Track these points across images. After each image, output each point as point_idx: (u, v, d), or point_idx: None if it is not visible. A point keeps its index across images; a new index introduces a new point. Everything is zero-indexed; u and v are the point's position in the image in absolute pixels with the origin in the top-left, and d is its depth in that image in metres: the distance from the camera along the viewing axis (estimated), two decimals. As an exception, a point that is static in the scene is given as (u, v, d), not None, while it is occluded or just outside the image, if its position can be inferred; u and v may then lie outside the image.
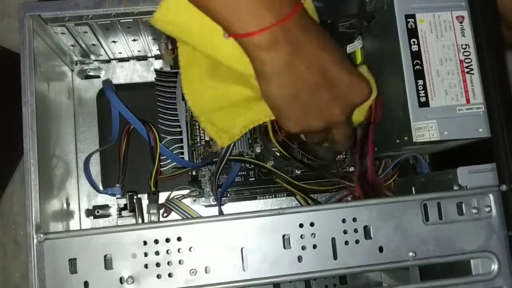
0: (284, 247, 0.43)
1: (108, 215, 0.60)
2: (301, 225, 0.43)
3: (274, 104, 0.46)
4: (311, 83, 0.44)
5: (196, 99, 0.51)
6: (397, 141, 0.48)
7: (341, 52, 0.46)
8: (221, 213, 0.58)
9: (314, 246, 0.43)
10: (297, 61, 0.43)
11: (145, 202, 0.57)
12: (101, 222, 0.60)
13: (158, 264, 0.42)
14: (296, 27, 0.42)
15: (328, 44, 0.45)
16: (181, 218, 0.57)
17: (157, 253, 0.42)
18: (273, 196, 0.61)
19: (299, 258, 0.43)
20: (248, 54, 0.43)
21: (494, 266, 0.43)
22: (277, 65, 0.43)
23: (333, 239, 0.43)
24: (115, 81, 0.62)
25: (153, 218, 0.55)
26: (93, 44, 0.56)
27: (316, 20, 0.47)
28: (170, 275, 0.42)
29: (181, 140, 0.57)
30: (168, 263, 0.42)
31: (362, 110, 0.51)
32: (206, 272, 0.42)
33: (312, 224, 0.43)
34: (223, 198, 0.59)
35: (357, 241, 0.43)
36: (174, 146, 0.57)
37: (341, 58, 0.45)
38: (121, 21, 0.49)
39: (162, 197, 0.58)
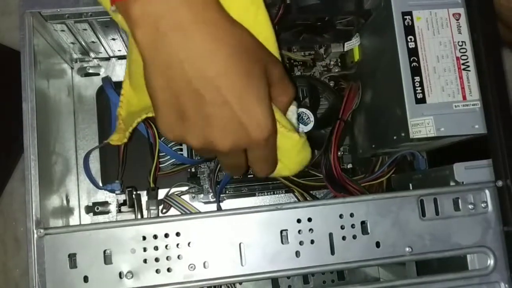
0: (282, 242, 0.43)
1: (107, 212, 0.60)
2: (298, 221, 0.43)
3: (149, 93, 0.38)
4: (186, 84, 0.36)
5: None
6: (394, 137, 0.48)
7: (252, 63, 0.37)
8: (219, 209, 0.58)
9: (312, 241, 0.43)
10: (168, 46, 0.35)
11: (144, 198, 0.58)
12: (101, 219, 0.60)
13: (157, 259, 0.42)
14: (179, 5, 0.34)
15: (238, 45, 0.36)
16: (180, 213, 0.57)
17: (156, 248, 0.42)
18: (272, 193, 0.61)
19: (297, 253, 0.43)
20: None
21: (490, 261, 0.44)
22: (145, 45, 0.36)
23: (330, 235, 0.43)
24: (114, 79, 0.62)
25: (153, 214, 0.55)
26: (93, 42, 0.56)
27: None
28: (169, 270, 0.42)
29: (180, 137, 0.58)
30: (167, 258, 0.42)
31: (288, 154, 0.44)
32: (204, 267, 0.42)
33: (309, 220, 0.43)
34: (221, 195, 0.60)
35: (354, 237, 0.43)
36: (173, 143, 0.58)
37: (244, 71, 0.36)
38: (121, 18, 0.49)
39: (161, 193, 0.59)
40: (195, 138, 0.38)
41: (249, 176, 0.60)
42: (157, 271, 0.42)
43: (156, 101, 0.38)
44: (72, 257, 0.42)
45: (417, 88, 0.46)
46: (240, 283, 0.44)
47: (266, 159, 0.43)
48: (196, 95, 0.36)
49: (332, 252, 0.43)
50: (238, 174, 0.50)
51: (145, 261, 0.42)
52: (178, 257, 0.42)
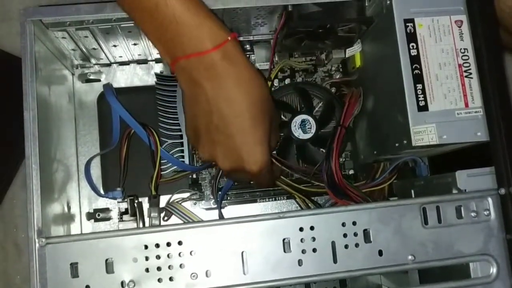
0: (284, 251, 0.43)
1: (109, 218, 0.60)
2: (301, 229, 0.43)
3: (185, 114, 0.52)
4: (207, 115, 0.46)
5: None
6: (396, 144, 0.48)
7: (262, 112, 0.46)
8: (221, 216, 0.58)
9: (314, 250, 0.43)
10: (200, 90, 0.45)
11: (145, 205, 0.57)
12: (102, 225, 0.60)
13: (159, 268, 0.42)
14: (218, 58, 0.44)
15: (255, 96, 0.45)
16: (182, 222, 0.57)
17: (158, 257, 0.42)
18: (273, 199, 0.61)
19: (299, 262, 0.43)
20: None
21: (493, 270, 0.44)
22: (183, 85, 0.47)
23: (333, 243, 0.43)
24: (115, 85, 0.62)
25: (154, 221, 0.55)
26: (94, 48, 0.56)
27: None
28: (171, 279, 0.42)
29: (181, 144, 0.58)
30: (169, 267, 0.42)
31: None
32: (207, 276, 0.42)
33: (312, 228, 0.43)
34: (223, 201, 0.59)
35: (356, 245, 0.43)
36: (174, 150, 0.58)
37: (253, 116, 0.45)
38: (122, 25, 0.49)
39: (163, 200, 0.58)
40: (203, 152, 0.49)
41: (250, 182, 0.60)
42: (159, 280, 0.42)
43: (186, 119, 0.51)
44: (74, 266, 0.42)
45: (419, 96, 0.45)
46: (242, 291, 0.44)
47: (261, 182, 0.53)
48: (212, 124, 0.46)
49: (335, 261, 0.43)
50: (240, 184, 0.59)
51: (147, 270, 0.42)
52: (180, 266, 0.42)
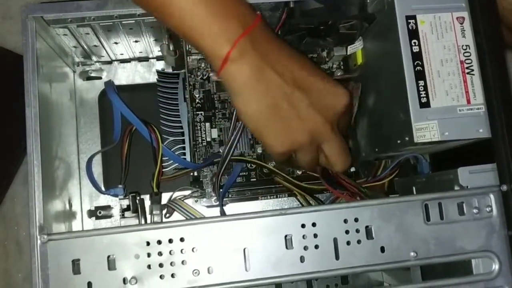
0: (286, 247, 0.43)
1: (110, 216, 0.60)
2: (303, 226, 0.43)
3: (253, 121, 0.44)
4: (285, 90, 0.43)
5: None
6: (398, 141, 0.48)
7: (308, 59, 0.48)
8: (223, 213, 0.58)
9: (316, 246, 0.43)
10: (266, 68, 0.42)
11: (147, 203, 0.57)
12: (103, 223, 0.60)
13: (161, 265, 0.42)
14: (261, 36, 0.43)
15: (293, 51, 0.46)
16: (184, 218, 0.57)
17: (160, 253, 0.42)
18: (275, 196, 0.61)
19: (301, 258, 0.43)
20: (217, 70, 0.43)
21: (495, 266, 0.44)
22: (246, 75, 0.42)
23: (335, 239, 0.43)
24: (116, 82, 0.62)
25: (156, 218, 0.55)
26: (95, 46, 0.56)
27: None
28: (173, 275, 0.42)
29: (183, 141, 0.58)
30: (171, 263, 0.42)
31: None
32: (208, 272, 0.42)
33: (314, 225, 0.43)
34: (224, 199, 0.59)
35: (359, 241, 0.43)
36: (176, 147, 0.58)
37: (311, 64, 0.47)
38: (123, 22, 0.49)
39: (164, 197, 0.58)
40: (304, 132, 0.45)
41: (251, 180, 0.60)
42: (161, 276, 0.42)
43: (260, 120, 0.44)
44: (75, 262, 0.42)
45: (421, 92, 0.45)
46: (244, 288, 0.45)
47: (340, 149, 0.49)
48: (292, 94, 0.44)
49: (337, 257, 0.43)
50: (343, 162, 0.51)
51: (149, 266, 0.42)
52: (182, 262, 0.42)
